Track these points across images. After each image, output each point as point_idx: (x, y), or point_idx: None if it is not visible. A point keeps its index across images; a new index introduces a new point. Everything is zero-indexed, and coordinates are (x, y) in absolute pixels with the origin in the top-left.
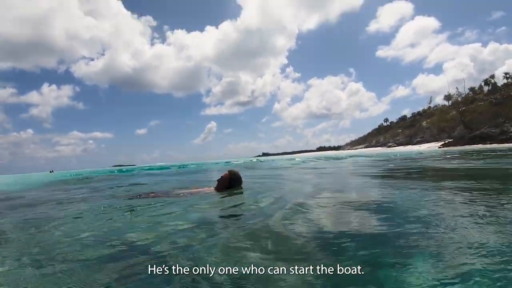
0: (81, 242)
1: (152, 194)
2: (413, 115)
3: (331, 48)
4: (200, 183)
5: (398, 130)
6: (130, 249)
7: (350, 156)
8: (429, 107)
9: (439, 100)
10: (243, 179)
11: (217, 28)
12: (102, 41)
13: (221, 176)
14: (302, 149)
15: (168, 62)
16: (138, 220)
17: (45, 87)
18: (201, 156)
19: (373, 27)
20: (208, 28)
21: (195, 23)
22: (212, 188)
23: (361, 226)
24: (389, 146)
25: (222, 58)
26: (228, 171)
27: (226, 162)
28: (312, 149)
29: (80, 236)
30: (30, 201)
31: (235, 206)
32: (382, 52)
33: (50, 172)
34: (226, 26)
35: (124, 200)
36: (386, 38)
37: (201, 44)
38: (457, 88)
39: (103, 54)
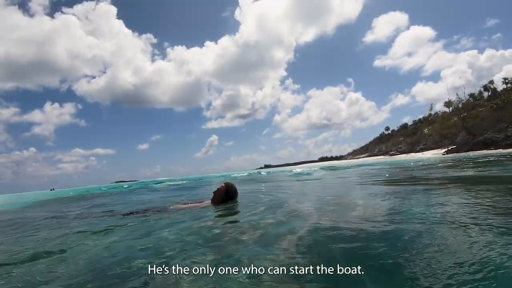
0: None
1: (146, 210)
2: (414, 122)
3: (329, 59)
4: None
5: (400, 138)
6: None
7: (359, 166)
8: (430, 114)
9: (439, 107)
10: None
11: (216, 43)
12: (104, 60)
13: (217, 188)
14: (304, 160)
15: (168, 77)
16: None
17: (48, 106)
18: (203, 170)
19: (369, 38)
20: (208, 43)
21: (194, 39)
22: (209, 202)
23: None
24: (392, 155)
25: (222, 72)
26: (224, 183)
27: (231, 176)
28: (314, 159)
29: None
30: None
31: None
32: (380, 61)
33: (51, 190)
34: (225, 41)
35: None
36: (383, 48)
37: (201, 59)
38: (457, 94)
39: (104, 72)
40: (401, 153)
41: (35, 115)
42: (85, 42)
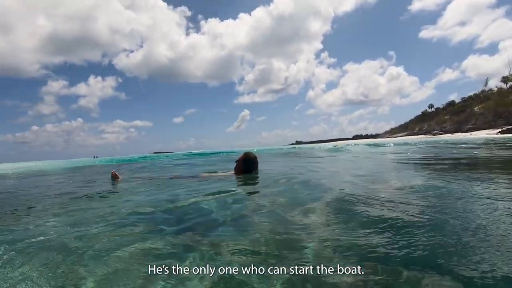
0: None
1: (176, 174)
2: (463, 100)
3: (369, 31)
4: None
5: (445, 117)
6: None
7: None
8: (483, 91)
9: (494, 83)
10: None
11: (250, 15)
12: (141, 34)
13: (238, 159)
14: (337, 137)
15: (202, 51)
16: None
17: (92, 79)
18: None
19: (416, 5)
20: (241, 15)
21: (228, 11)
22: (233, 172)
23: None
24: (434, 134)
25: (255, 46)
26: (244, 153)
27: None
28: (348, 137)
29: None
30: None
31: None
32: (427, 32)
33: (94, 157)
34: (259, 12)
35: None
36: (432, 17)
37: (234, 32)
38: None
39: (141, 46)
40: (445, 132)
41: (81, 88)
42: (124, 16)
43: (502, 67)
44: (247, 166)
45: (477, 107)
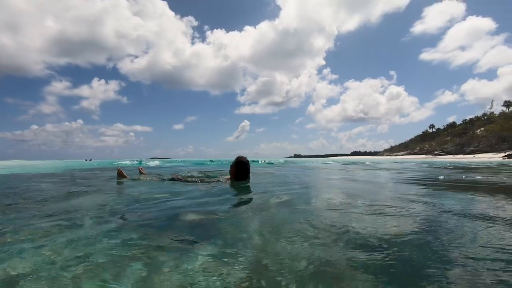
0: None
1: (174, 176)
2: (464, 122)
3: (371, 50)
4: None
5: (447, 138)
6: None
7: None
8: (484, 115)
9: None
10: None
11: (255, 28)
12: (147, 40)
13: (232, 163)
14: (336, 153)
15: (206, 60)
16: None
17: (95, 81)
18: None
19: (418, 28)
20: (247, 27)
21: (234, 23)
22: (228, 177)
23: None
24: (436, 155)
25: (259, 58)
26: (237, 157)
27: (269, 163)
28: (347, 153)
29: None
30: None
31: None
32: (427, 55)
33: (87, 160)
34: (265, 26)
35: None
36: (433, 40)
37: (238, 43)
38: None
39: (147, 52)
40: (447, 153)
41: (84, 90)
42: (131, 22)
43: (500, 92)
44: (240, 169)
45: (479, 130)
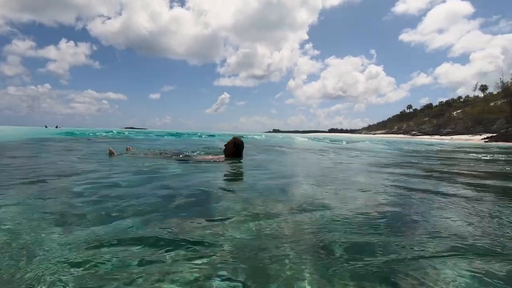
0: None
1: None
2: (441, 104)
3: (354, 27)
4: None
5: (424, 119)
6: None
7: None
8: (459, 98)
9: (461, 92)
10: None
11: None
12: (120, 0)
13: (227, 142)
14: (314, 129)
15: (185, 27)
16: None
17: (63, 43)
18: (213, 126)
19: (400, 7)
20: None
21: None
22: (223, 156)
23: None
24: (413, 135)
25: (240, 28)
26: (233, 137)
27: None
28: (324, 130)
29: None
30: None
31: None
32: (407, 36)
33: (56, 127)
34: None
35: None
36: (413, 21)
37: (220, 11)
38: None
39: (120, 14)
40: (424, 134)
41: (50, 51)
42: None
43: (470, 77)
44: (236, 149)
45: (455, 112)
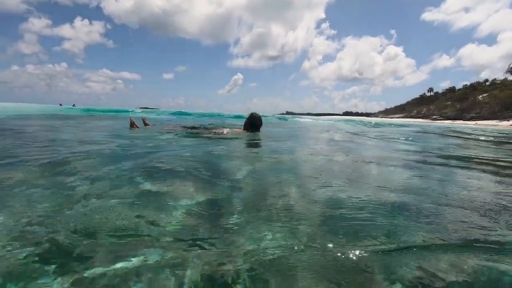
0: None
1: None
2: (464, 87)
3: (373, 6)
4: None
5: (447, 102)
6: None
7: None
8: (486, 81)
9: (486, 75)
10: None
11: None
12: None
13: (247, 117)
14: (328, 112)
15: (198, 6)
16: None
17: (78, 21)
18: (225, 108)
19: None
20: None
21: None
22: (241, 129)
23: None
24: (434, 119)
25: (255, 6)
26: (251, 113)
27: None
28: (339, 113)
29: None
30: None
31: None
32: (430, 14)
33: (73, 106)
34: None
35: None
36: None
37: None
38: None
39: None
40: (445, 118)
41: (66, 30)
42: None
43: (497, 59)
44: (253, 123)
45: (481, 96)
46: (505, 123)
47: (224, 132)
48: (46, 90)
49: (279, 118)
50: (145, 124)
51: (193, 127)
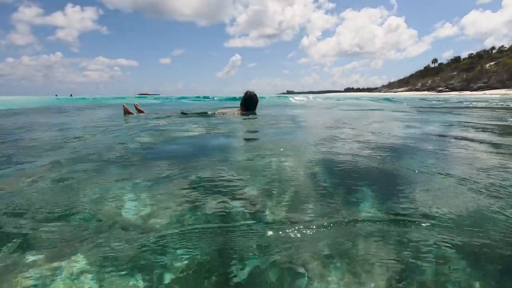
0: None
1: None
2: (470, 56)
3: None
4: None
5: (453, 73)
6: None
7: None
8: (492, 48)
9: (490, 42)
10: None
11: None
12: None
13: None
14: (329, 90)
15: None
16: None
17: (69, 8)
18: (225, 90)
19: None
20: None
21: None
22: (239, 109)
23: None
24: (440, 91)
25: None
26: (246, 92)
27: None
28: (340, 90)
29: None
30: None
31: None
32: None
33: (71, 96)
34: None
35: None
36: None
37: None
38: None
39: None
40: (452, 90)
41: (58, 18)
42: None
43: (501, 25)
44: (248, 102)
45: (488, 64)
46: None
47: (215, 114)
48: (44, 81)
49: (262, 97)
50: (139, 111)
51: (183, 113)
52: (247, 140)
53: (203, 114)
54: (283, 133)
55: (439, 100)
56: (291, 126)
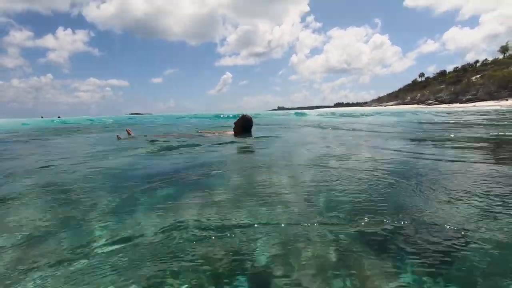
0: None
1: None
2: (455, 70)
3: None
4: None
5: (441, 86)
6: None
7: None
8: (476, 62)
9: (470, 58)
10: None
11: None
12: None
13: (237, 119)
14: (319, 105)
15: (181, 7)
16: None
17: (60, 31)
18: (217, 108)
19: None
20: None
21: None
22: (232, 132)
23: None
24: (429, 104)
25: (239, 4)
26: (242, 115)
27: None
28: (330, 105)
29: None
30: None
31: None
32: (411, 1)
33: (58, 117)
34: None
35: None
36: None
37: None
38: None
39: None
40: (441, 102)
41: (49, 40)
42: None
43: (480, 41)
44: (245, 125)
45: (474, 77)
46: (504, 103)
47: (209, 136)
48: (34, 103)
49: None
50: (129, 134)
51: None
52: None
53: (183, 138)
54: None
55: (441, 115)
56: None
